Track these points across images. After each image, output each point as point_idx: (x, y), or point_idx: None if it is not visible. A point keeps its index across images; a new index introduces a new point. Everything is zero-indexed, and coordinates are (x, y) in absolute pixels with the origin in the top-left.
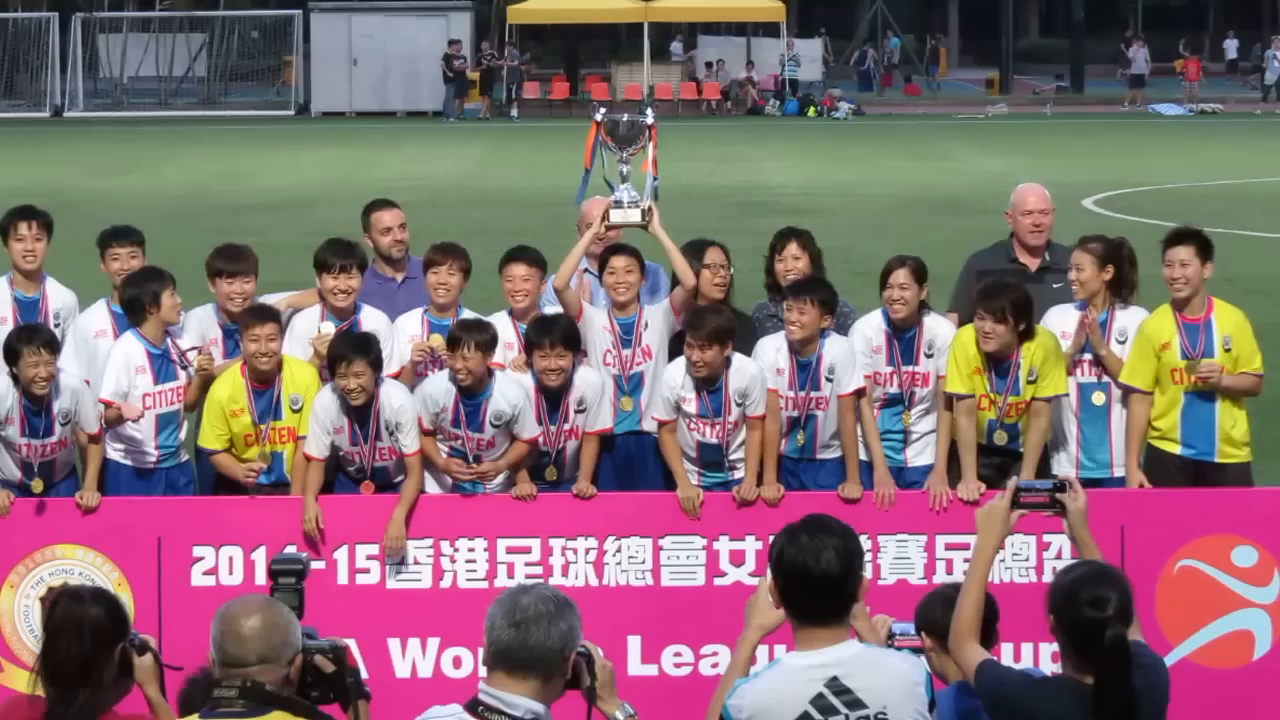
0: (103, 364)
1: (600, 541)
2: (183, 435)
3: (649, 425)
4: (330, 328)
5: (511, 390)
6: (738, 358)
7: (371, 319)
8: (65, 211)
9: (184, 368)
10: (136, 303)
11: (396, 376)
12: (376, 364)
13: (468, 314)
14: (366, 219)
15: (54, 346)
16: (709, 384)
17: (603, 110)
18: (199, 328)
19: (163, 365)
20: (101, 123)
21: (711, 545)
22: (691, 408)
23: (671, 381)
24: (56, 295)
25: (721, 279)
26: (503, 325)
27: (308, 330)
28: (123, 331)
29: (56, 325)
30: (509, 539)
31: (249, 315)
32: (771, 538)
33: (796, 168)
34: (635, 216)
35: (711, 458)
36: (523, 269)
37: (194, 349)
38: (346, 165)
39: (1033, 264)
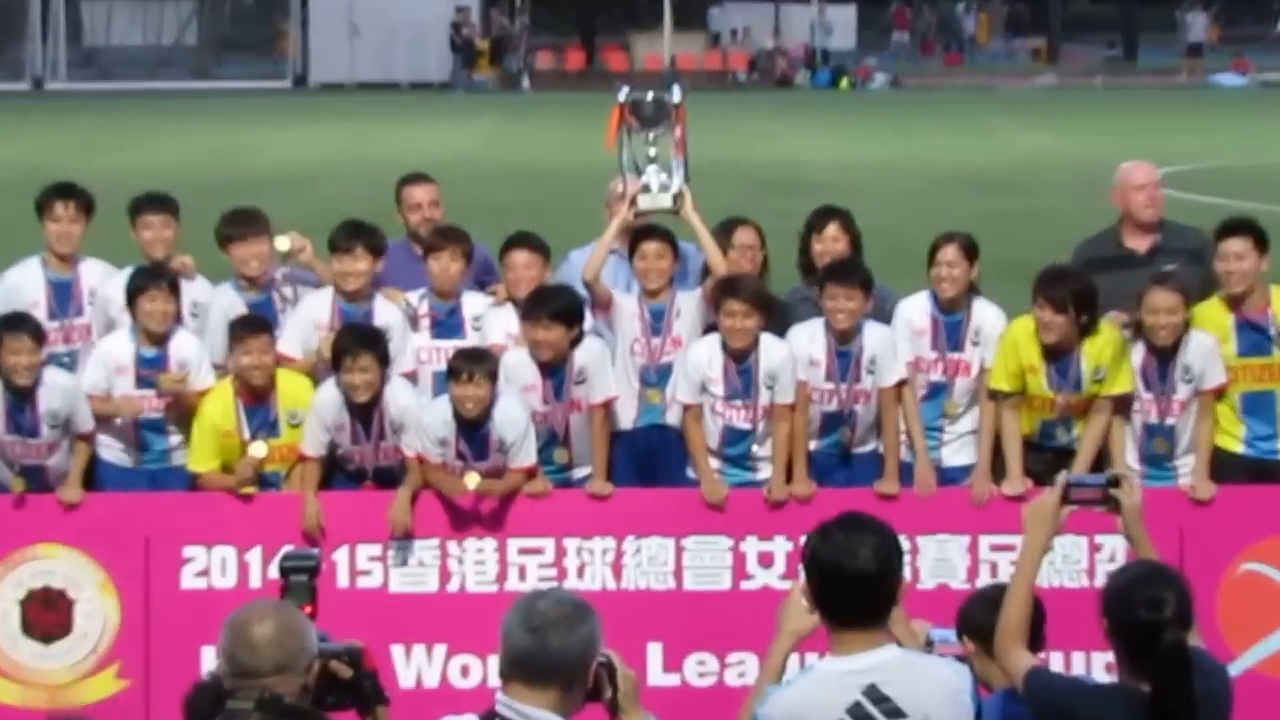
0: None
1: (619, 542)
2: (174, 442)
3: (673, 419)
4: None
5: (515, 411)
6: (767, 337)
7: (384, 311)
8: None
9: (147, 384)
10: (128, 299)
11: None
12: (384, 359)
13: (469, 300)
14: (399, 194)
15: (39, 336)
16: (739, 361)
17: (626, 90)
18: (223, 315)
19: (151, 370)
20: (85, 95)
21: (738, 546)
22: (719, 388)
23: (697, 359)
24: (92, 275)
25: (752, 261)
26: (506, 316)
27: (315, 314)
28: None
29: (91, 305)
30: (521, 539)
31: (241, 326)
32: (804, 537)
33: (828, 143)
34: (665, 202)
35: (738, 449)
36: (524, 256)
37: (166, 373)
38: (348, 140)
39: (1143, 245)
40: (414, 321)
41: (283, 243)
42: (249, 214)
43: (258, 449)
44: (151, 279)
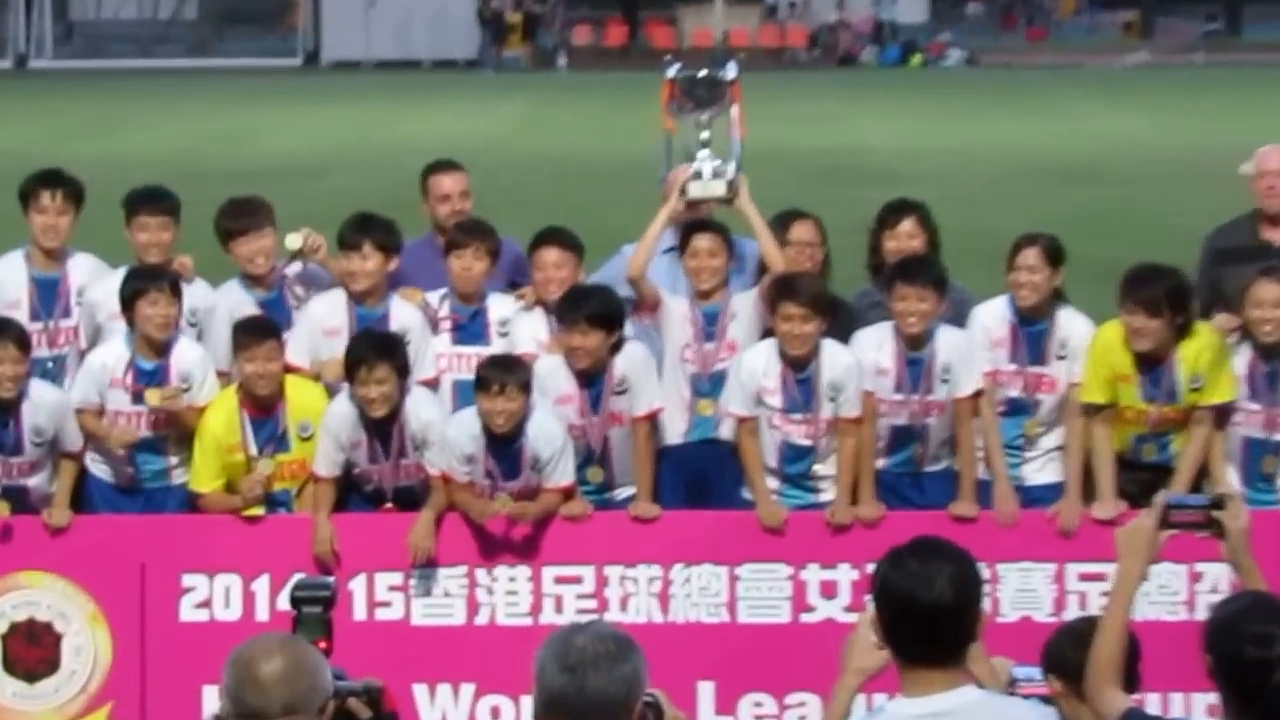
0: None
1: (666, 570)
2: (172, 461)
3: (726, 433)
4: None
5: (550, 426)
6: (830, 344)
7: (401, 312)
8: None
9: (144, 400)
10: (123, 304)
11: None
12: (402, 369)
13: (495, 303)
14: (425, 184)
15: (24, 344)
16: (798, 369)
17: (676, 66)
18: (229, 316)
19: (150, 384)
20: (73, 74)
21: (798, 575)
22: (776, 400)
23: (752, 367)
24: (81, 272)
25: (811, 258)
26: (535, 321)
27: (325, 318)
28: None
29: (79, 306)
30: (557, 567)
31: (245, 331)
32: (871, 565)
33: (897, 128)
34: (719, 189)
35: (798, 467)
36: (555, 254)
37: (161, 387)
38: (363, 125)
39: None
40: (433, 325)
41: (293, 240)
42: (251, 205)
43: (264, 467)
44: (152, 280)
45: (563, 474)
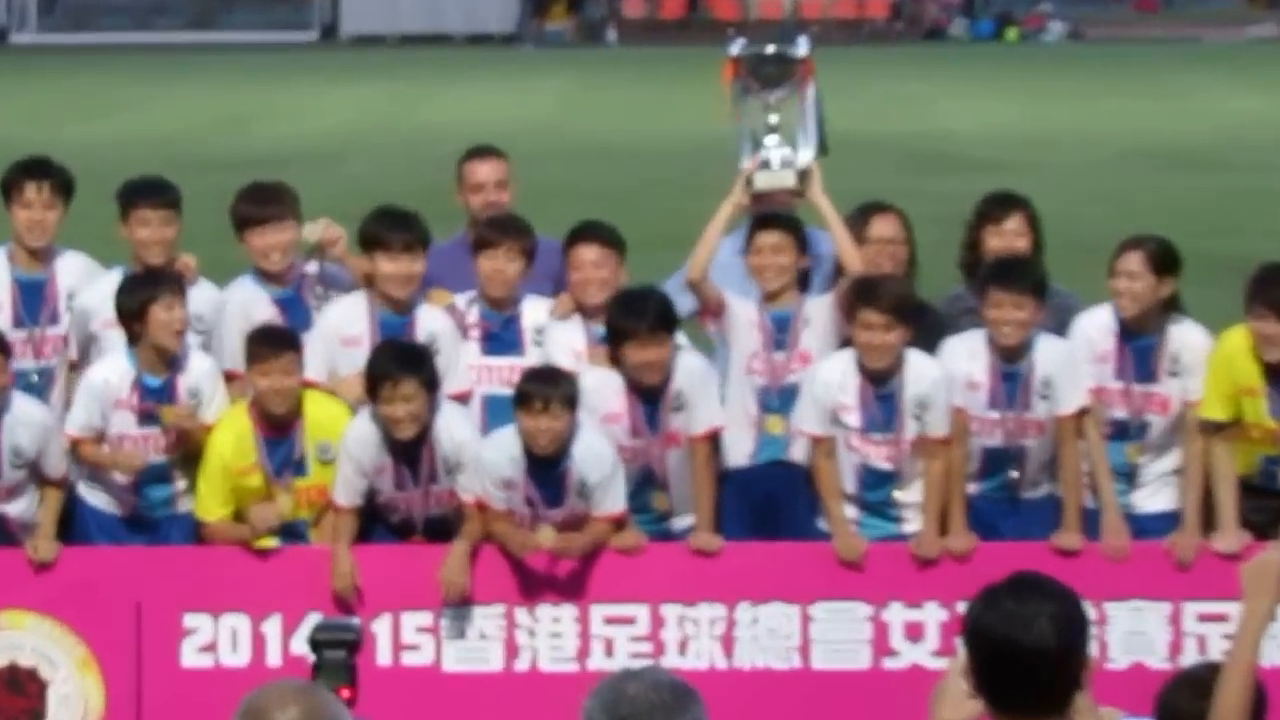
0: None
1: (730, 609)
2: (179, 487)
3: (798, 455)
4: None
5: (599, 447)
6: (915, 355)
7: (429, 319)
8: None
9: (153, 420)
10: (124, 313)
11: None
12: (431, 383)
13: (530, 308)
14: (460, 172)
15: (4, 351)
16: (879, 384)
17: (740, 42)
18: (241, 313)
19: (158, 402)
20: (61, 50)
21: (880, 615)
22: (854, 418)
23: (827, 379)
24: (71, 273)
25: (894, 258)
26: (571, 330)
27: (344, 326)
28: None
29: (69, 312)
30: (607, 606)
31: (259, 341)
32: (962, 604)
33: (990, 109)
34: (788, 180)
35: (879, 493)
36: (593, 252)
37: (170, 405)
38: (386, 107)
39: None
40: (462, 331)
41: (312, 231)
42: (275, 192)
43: (283, 502)
44: (164, 283)
45: (613, 501)
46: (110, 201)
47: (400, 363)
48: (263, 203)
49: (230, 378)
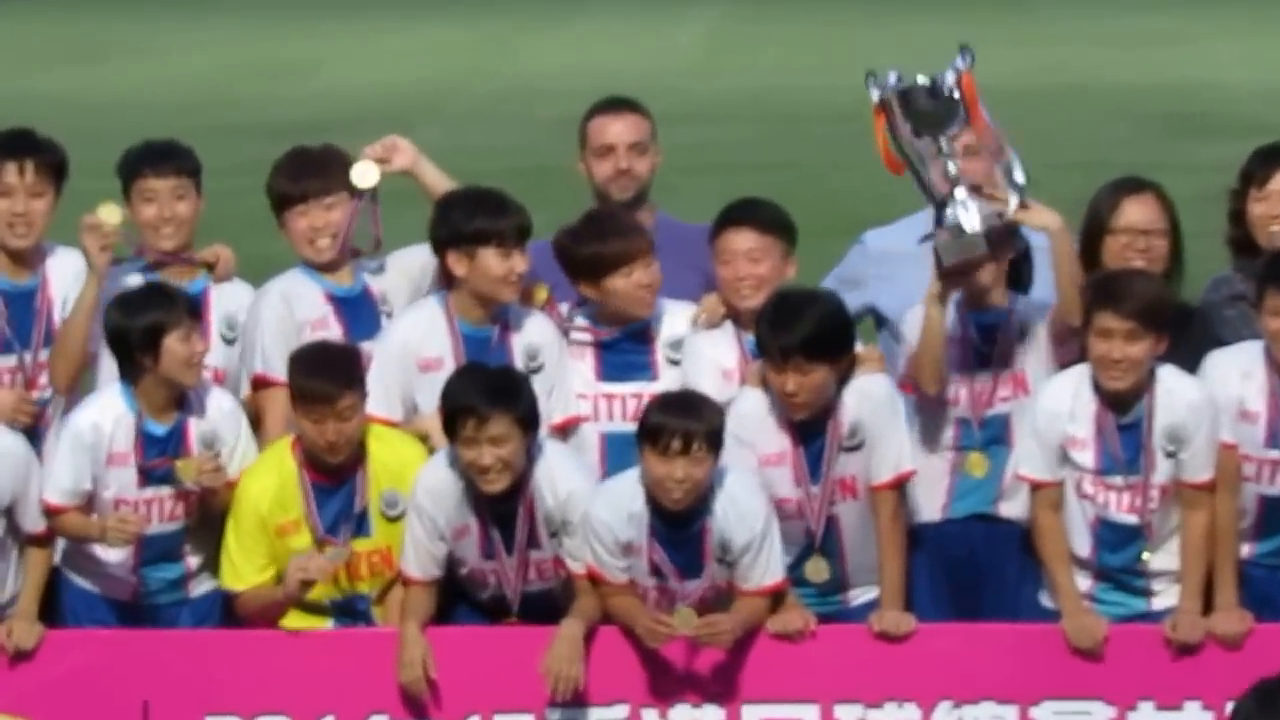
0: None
1: (926, 711)
2: (191, 565)
3: (1013, 509)
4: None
5: (748, 501)
6: (1170, 374)
7: (530, 328)
8: None
9: (160, 480)
10: (123, 341)
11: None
12: (529, 420)
13: (666, 315)
14: (584, 132)
15: None
16: (1120, 411)
17: (892, 78)
18: (282, 308)
19: (164, 453)
20: None
21: (1124, 716)
22: (1088, 457)
23: (1053, 407)
24: (67, 276)
25: (1147, 250)
26: (719, 342)
27: (424, 340)
28: None
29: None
30: (764, 706)
31: (307, 378)
32: (1230, 705)
33: (1266, 53)
34: (979, 246)
35: (1121, 556)
36: (748, 240)
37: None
38: (473, 55)
39: None
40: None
41: (366, 175)
42: (321, 159)
43: (336, 555)
44: (177, 303)
45: (769, 570)
46: (113, 178)
47: (488, 394)
48: (306, 174)
49: (258, 385)
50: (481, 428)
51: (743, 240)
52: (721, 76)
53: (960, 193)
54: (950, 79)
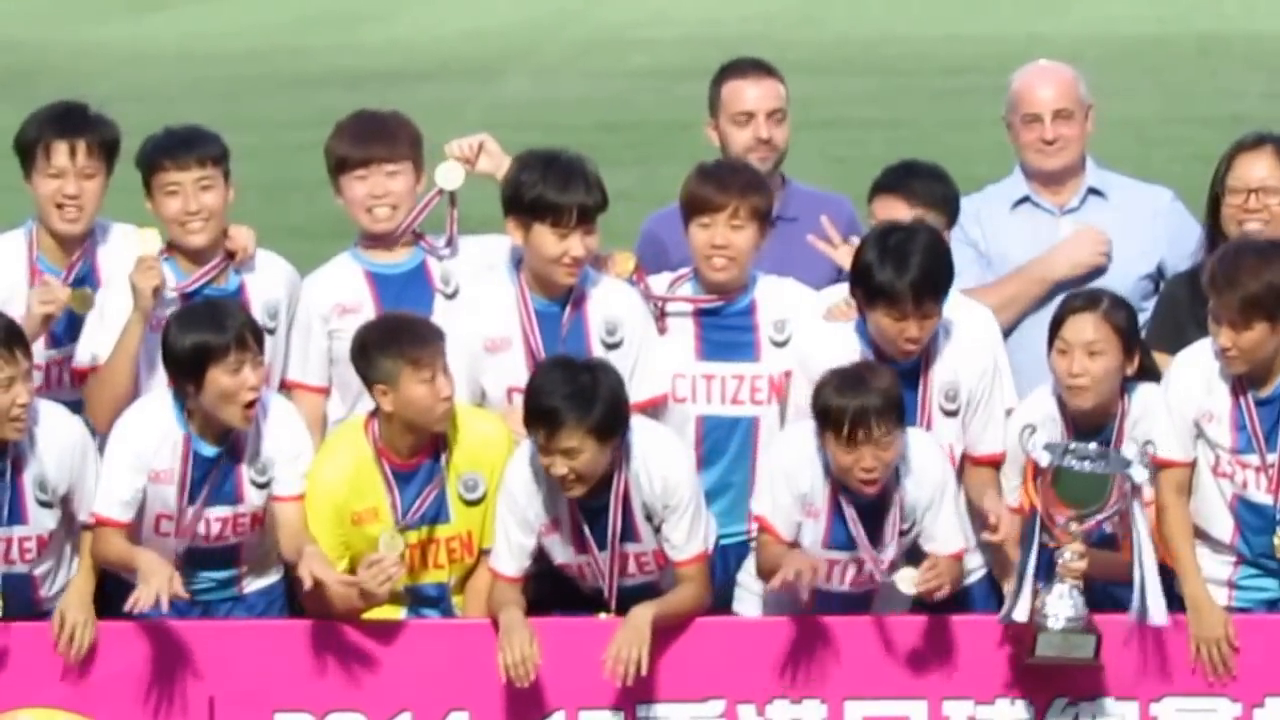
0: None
1: (1041, 709)
2: (244, 568)
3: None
4: None
5: (931, 454)
6: None
7: (609, 300)
8: (24, 83)
9: (215, 501)
10: (170, 361)
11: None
12: (607, 429)
13: (772, 290)
14: (715, 96)
15: (29, 351)
16: (1255, 384)
17: (1046, 453)
18: (321, 304)
19: (215, 478)
20: None
21: (1251, 714)
22: (1224, 434)
23: (1188, 387)
24: (116, 257)
25: (1260, 211)
26: (849, 337)
27: (491, 321)
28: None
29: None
30: (869, 701)
31: (389, 342)
32: None
33: None
34: (1086, 649)
35: (1262, 541)
36: (900, 206)
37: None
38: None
39: None
40: (659, 317)
41: (450, 176)
42: (385, 123)
43: (389, 543)
44: (228, 328)
45: (950, 530)
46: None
47: (560, 402)
48: (371, 138)
49: (284, 388)
50: (553, 439)
51: (895, 207)
52: (827, 25)
53: (1063, 588)
54: (1119, 469)
